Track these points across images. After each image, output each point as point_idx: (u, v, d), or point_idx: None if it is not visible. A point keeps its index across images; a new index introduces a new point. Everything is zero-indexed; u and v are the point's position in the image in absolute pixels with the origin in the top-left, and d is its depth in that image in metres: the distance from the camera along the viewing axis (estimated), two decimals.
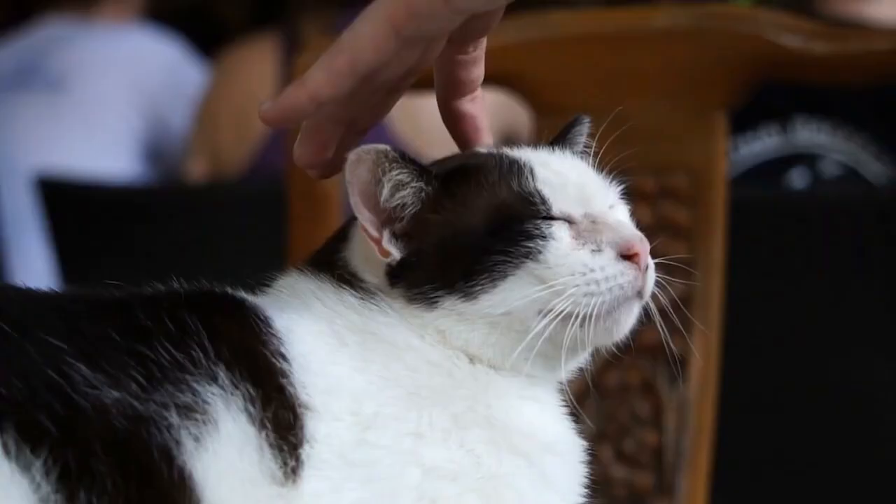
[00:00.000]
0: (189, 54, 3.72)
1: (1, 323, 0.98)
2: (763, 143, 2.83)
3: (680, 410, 1.54)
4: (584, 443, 1.12)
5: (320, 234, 1.61)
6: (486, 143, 1.16)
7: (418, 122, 2.80)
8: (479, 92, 1.16)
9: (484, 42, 1.14)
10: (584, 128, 1.19)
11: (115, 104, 3.57)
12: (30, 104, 3.57)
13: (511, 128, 2.85)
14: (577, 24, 1.62)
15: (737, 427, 1.85)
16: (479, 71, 1.15)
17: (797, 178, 2.81)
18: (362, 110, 1.11)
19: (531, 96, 1.60)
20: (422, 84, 1.14)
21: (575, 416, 1.13)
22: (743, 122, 2.83)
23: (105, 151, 3.55)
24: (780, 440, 2.26)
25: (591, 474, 1.12)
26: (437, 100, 1.16)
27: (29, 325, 0.99)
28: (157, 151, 3.61)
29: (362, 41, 1.05)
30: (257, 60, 3.13)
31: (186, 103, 3.47)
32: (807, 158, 2.81)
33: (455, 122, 1.16)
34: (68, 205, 2.85)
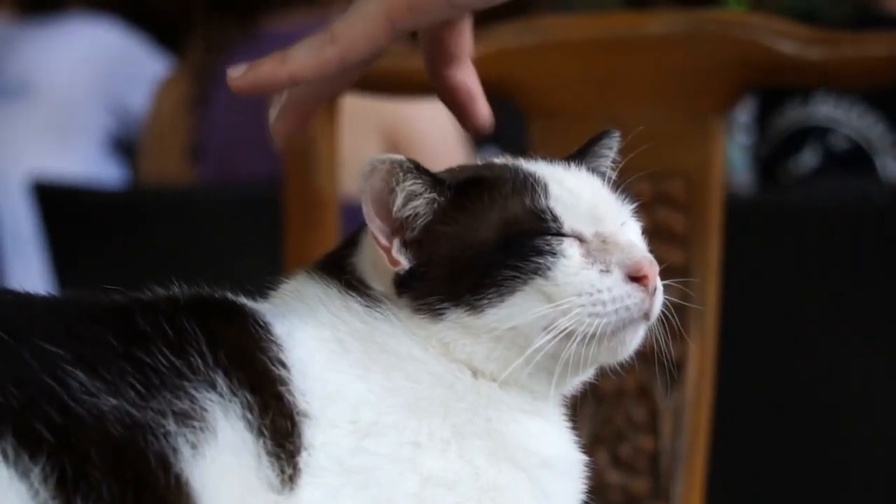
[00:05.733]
0: (129, 32, 3.70)
1: None
2: (786, 117, 2.86)
3: (676, 415, 1.54)
4: (585, 458, 1.12)
5: (316, 239, 1.62)
6: (481, 111, 1.15)
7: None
8: (469, 62, 1.15)
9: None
10: (613, 142, 1.18)
11: (81, 102, 3.56)
12: None
13: (396, 131, 2.83)
14: (573, 29, 1.62)
15: (733, 432, 1.85)
16: (465, 39, 1.14)
17: (809, 155, 2.84)
18: (335, 84, 1.13)
19: (526, 102, 1.60)
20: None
21: (573, 422, 1.13)
22: (771, 100, 2.86)
23: (79, 153, 3.53)
24: (776, 445, 2.26)
25: (588, 480, 1.12)
26: (427, 72, 1.15)
27: (26, 330, 0.98)
28: (128, 141, 3.59)
29: (357, 34, 1.06)
30: (174, 84, 3.15)
31: (143, 83, 3.45)
32: (820, 132, 2.84)
33: (447, 93, 1.15)
34: (64, 209, 2.85)
